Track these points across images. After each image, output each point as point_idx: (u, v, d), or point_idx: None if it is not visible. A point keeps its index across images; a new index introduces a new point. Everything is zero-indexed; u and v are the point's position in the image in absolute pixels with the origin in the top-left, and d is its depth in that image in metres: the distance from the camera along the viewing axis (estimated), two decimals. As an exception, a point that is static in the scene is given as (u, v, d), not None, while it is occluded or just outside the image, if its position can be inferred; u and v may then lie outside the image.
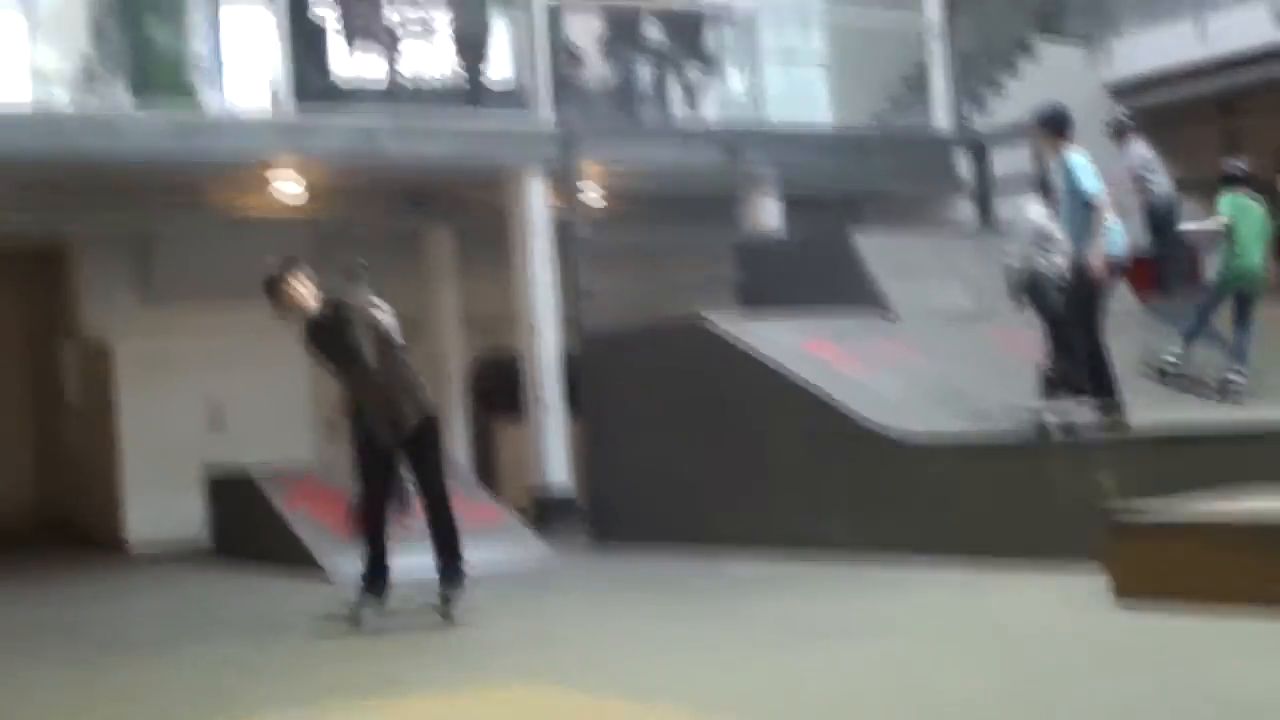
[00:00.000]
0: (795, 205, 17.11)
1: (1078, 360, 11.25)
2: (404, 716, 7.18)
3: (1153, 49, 17.05)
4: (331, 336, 9.91)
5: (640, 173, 16.59)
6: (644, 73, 17.84)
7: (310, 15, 15.60)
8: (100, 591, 13.77)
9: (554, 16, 16.55)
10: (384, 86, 16.26)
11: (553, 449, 15.61)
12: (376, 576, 10.05)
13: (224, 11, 15.87)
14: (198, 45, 15.51)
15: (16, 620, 11.76)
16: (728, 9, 17.82)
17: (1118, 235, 11.70)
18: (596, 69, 17.60)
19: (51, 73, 15.32)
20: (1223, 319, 13.74)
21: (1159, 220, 14.42)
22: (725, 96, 18.19)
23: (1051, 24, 18.28)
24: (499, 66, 17.12)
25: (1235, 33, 16.53)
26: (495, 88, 16.79)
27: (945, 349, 13.45)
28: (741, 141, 16.73)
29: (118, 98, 14.75)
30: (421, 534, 10.06)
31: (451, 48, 16.64)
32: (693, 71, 18.04)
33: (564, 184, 15.51)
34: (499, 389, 17.73)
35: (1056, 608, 8.84)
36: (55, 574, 15.27)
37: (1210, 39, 16.68)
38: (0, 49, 14.90)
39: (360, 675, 8.41)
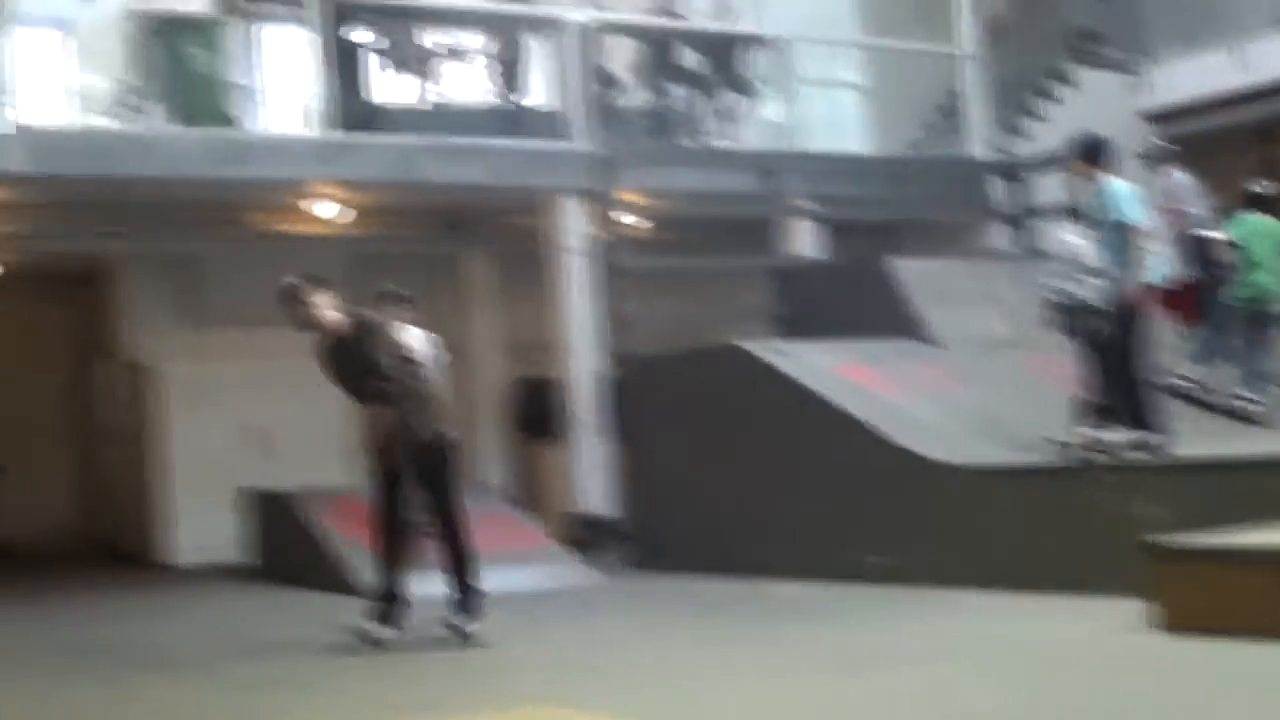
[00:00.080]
0: (832, 231, 17.09)
1: (1120, 389, 11.22)
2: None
3: (1191, 76, 16.98)
4: (349, 352, 9.94)
5: (677, 198, 16.60)
6: (680, 98, 17.90)
7: (348, 39, 15.66)
8: (139, 610, 13.80)
9: (590, 41, 16.58)
10: (421, 110, 16.34)
11: (592, 473, 15.60)
12: (391, 599, 10.08)
13: (263, 35, 15.99)
14: (237, 68, 15.62)
15: (54, 638, 11.78)
16: (764, 35, 17.82)
17: (1160, 263, 11.67)
18: (633, 94, 17.64)
19: (93, 95, 15.45)
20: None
21: (1197, 248, 14.38)
22: (762, 122, 18.20)
23: (1089, 51, 18.23)
24: (536, 91, 17.19)
25: (1274, 61, 16.46)
26: (532, 112, 16.85)
27: (982, 376, 13.44)
28: (778, 167, 16.73)
29: (158, 120, 14.83)
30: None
31: (488, 72, 16.71)
32: (729, 97, 18.08)
33: (601, 209, 15.54)
34: (538, 413, 17.74)
35: (1100, 636, 8.80)
36: (95, 592, 15.30)
37: (1250, 67, 16.63)
38: (43, 72, 15.01)
39: (394, 695, 8.42)
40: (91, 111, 15.32)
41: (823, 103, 19.04)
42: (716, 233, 17.33)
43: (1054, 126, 17.71)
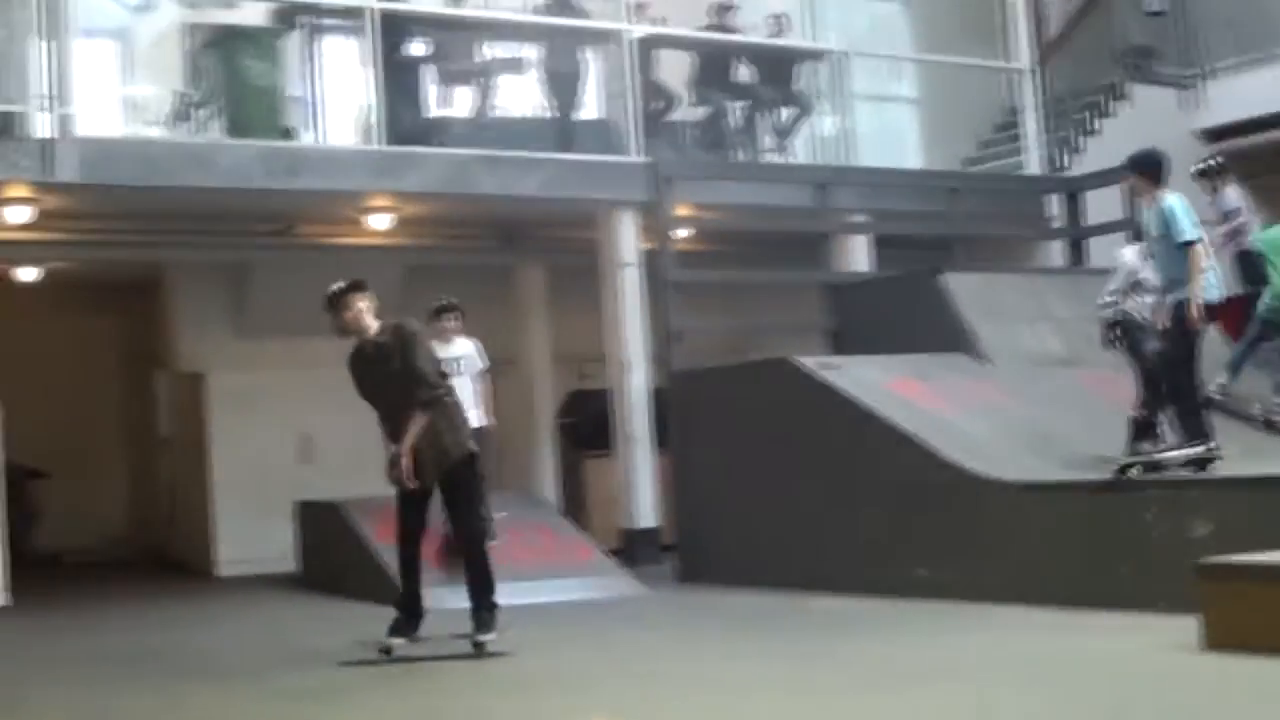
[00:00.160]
0: (885, 246, 17.09)
1: (1175, 407, 11.13)
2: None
3: (1246, 93, 16.91)
4: (383, 360, 9.93)
5: (730, 212, 16.60)
6: (734, 112, 17.90)
7: (404, 51, 15.72)
8: (188, 618, 13.87)
9: (645, 55, 16.61)
10: (476, 123, 16.39)
11: (641, 485, 15.61)
12: (410, 611, 10.09)
13: (319, 47, 16.07)
14: (292, 80, 15.69)
15: (104, 646, 11.82)
16: (819, 49, 17.82)
17: (1214, 279, 11.58)
18: (688, 108, 17.66)
19: (148, 105, 15.55)
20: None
21: (1251, 264, 14.29)
22: (816, 137, 18.19)
23: (1143, 67, 18.16)
24: (590, 104, 17.22)
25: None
26: (586, 125, 16.89)
27: (1035, 392, 13.38)
28: (832, 182, 16.73)
29: (214, 132, 14.92)
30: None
31: (543, 85, 16.75)
32: (783, 111, 18.08)
33: (654, 222, 15.56)
34: (589, 424, 17.77)
35: (1147, 653, 8.74)
36: (145, 600, 15.38)
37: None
38: (100, 82, 15.10)
39: (441, 707, 8.45)
40: (147, 122, 15.40)
41: (878, 118, 19.05)
42: (769, 247, 17.33)
43: (1108, 142, 17.68)
